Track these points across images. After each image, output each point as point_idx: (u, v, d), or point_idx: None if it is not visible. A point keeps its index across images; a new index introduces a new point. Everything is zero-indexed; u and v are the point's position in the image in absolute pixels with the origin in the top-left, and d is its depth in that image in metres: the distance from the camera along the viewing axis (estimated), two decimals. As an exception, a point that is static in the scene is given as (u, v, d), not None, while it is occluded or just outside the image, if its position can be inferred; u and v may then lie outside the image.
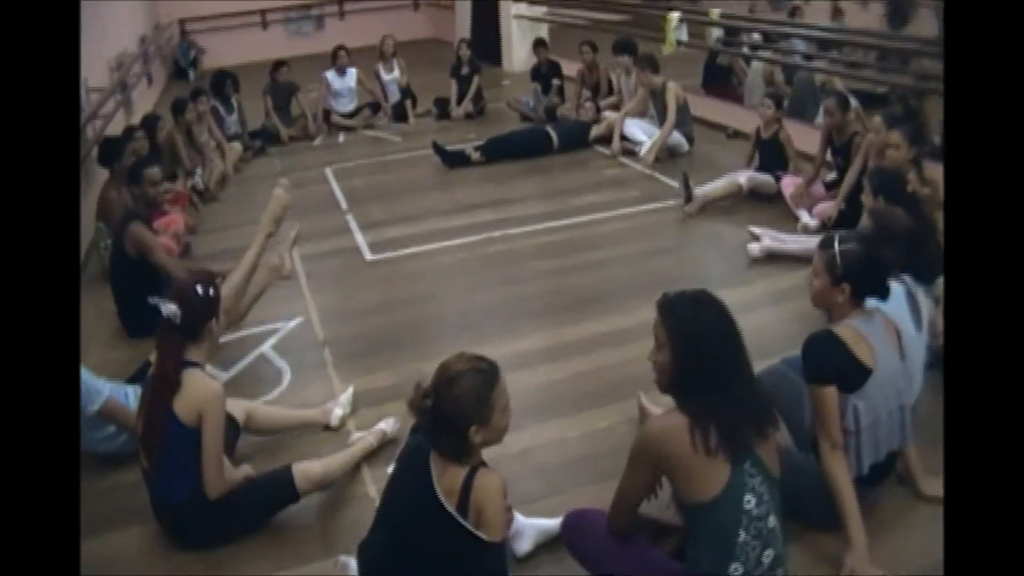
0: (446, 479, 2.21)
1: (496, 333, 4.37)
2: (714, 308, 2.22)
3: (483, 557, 2.16)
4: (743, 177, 5.94)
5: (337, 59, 9.28)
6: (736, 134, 7.89)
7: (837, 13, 11.07)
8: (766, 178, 5.94)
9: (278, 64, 9.04)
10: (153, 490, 2.93)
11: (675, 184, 6.36)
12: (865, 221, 3.12)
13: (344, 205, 6.74)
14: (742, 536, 2.13)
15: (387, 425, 3.49)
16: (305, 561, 2.88)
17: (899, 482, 2.95)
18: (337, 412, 3.67)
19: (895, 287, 2.98)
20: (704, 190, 5.92)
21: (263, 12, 15.53)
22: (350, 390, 3.81)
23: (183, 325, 2.85)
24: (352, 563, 2.58)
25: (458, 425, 2.18)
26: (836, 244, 2.66)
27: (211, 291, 2.93)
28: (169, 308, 2.84)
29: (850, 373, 2.58)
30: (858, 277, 2.62)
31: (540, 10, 12.06)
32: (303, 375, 4.12)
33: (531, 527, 2.74)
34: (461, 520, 2.16)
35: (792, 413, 2.86)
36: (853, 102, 5.82)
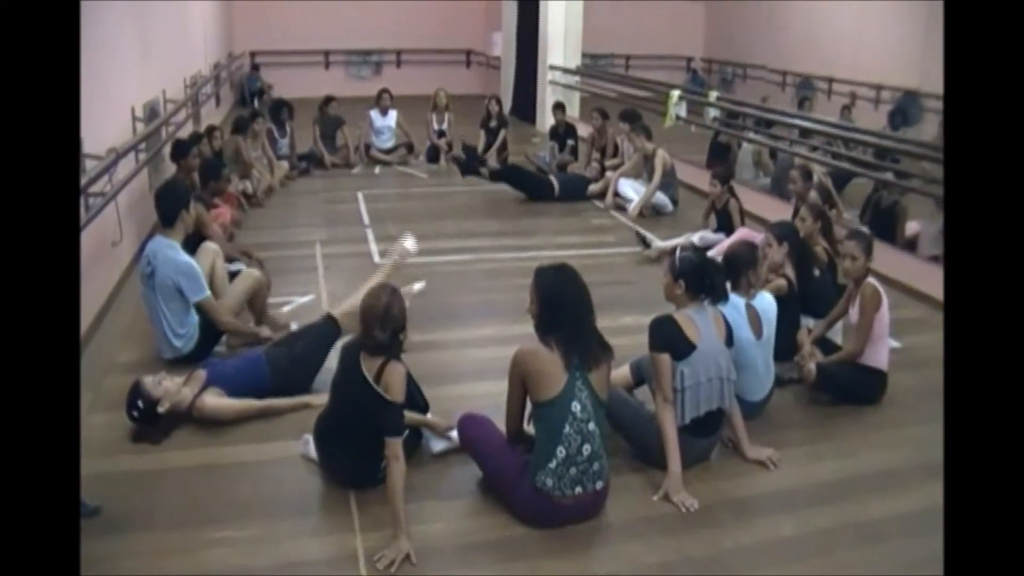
0: (369, 365, 3.25)
1: (471, 321, 5.48)
2: (568, 275, 3.27)
3: (387, 414, 3.20)
4: (696, 236, 6.92)
5: (380, 100, 10.38)
6: (721, 203, 8.88)
7: (846, 110, 12.18)
8: (716, 237, 6.87)
9: (328, 99, 10.21)
10: None
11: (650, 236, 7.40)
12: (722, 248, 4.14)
13: (367, 221, 7.89)
14: (567, 429, 3.15)
15: (410, 244, 4.87)
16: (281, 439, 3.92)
17: (732, 447, 3.91)
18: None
19: (736, 299, 4.00)
20: (663, 244, 6.88)
21: (326, 53, 17.06)
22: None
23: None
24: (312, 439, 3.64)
25: (397, 333, 3.27)
26: (677, 252, 3.69)
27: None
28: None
29: (679, 346, 3.53)
30: (689, 277, 3.59)
31: (573, 79, 13.31)
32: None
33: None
34: (375, 387, 3.21)
35: (632, 428, 3.75)
36: (815, 177, 6.81)
